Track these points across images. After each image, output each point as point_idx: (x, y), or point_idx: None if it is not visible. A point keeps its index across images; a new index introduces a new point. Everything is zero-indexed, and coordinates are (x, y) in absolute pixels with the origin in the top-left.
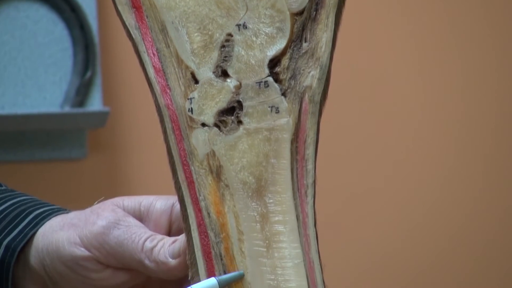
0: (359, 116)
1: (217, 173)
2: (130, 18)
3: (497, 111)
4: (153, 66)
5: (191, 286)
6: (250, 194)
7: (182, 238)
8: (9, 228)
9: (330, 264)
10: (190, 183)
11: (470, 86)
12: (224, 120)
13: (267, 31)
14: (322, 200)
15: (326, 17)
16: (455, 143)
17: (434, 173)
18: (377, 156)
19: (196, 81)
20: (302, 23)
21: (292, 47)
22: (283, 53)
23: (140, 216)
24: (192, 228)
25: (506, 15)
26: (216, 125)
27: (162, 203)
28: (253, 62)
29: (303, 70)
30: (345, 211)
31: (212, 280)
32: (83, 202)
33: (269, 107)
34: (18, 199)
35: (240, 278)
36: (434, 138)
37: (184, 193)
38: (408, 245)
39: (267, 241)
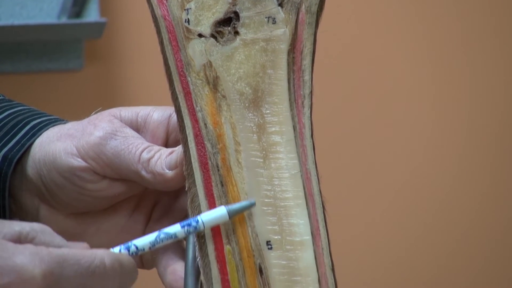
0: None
1: (213, 84)
2: None
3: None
4: None
5: (200, 215)
6: (247, 104)
7: (179, 149)
8: (6, 138)
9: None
10: (187, 94)
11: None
12: (221, 31)
13: None
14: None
15: None
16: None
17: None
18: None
19: None
20: None
21: None
22: None
23: (137, 127)
24: (189, 139)
25: None
26: (213, 35)
27: (159, 113)
28: None
29: None
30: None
31: (222, 210)
32: (80, 113)
33: (266, 17)
34: (16, 109)
35: (251, 207)
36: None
37: (181, 104)
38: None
39: (264, 152)
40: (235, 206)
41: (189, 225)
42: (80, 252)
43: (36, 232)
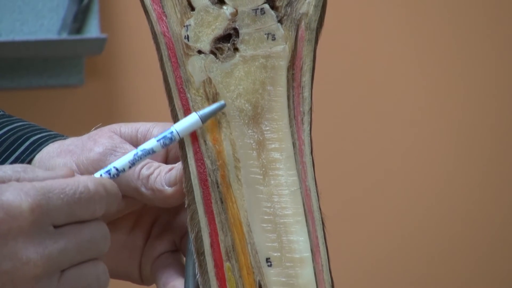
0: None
1: (213, 100)
2: None
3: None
4: None
5: (173, 125)
6: (246, 121)
7: (178, 165)
8: (6, 154)
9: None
10: (187, 110)
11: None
12: (220, 47)
13: None
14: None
15: None
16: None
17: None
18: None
19: (192, 8)
20: None
21: None
22: None
23: (137, 143)
24: (188, 155)
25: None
26: (212, 52)
27: (159, 130)
28: None
29: None
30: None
31: (194, 116)
32: (80, 128)
33: (265, 34)
34: (16, 124)
35: (222, 108)
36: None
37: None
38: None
39: (263, 169)
40: (206, 110)
41: (164, 137)
42: (63, 181)
43: (18, 172)
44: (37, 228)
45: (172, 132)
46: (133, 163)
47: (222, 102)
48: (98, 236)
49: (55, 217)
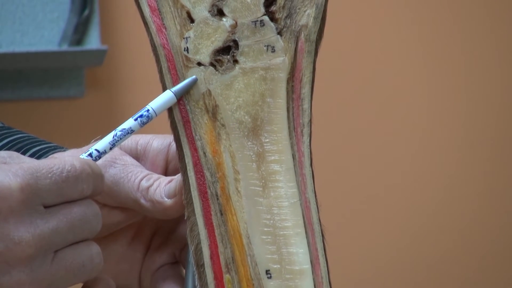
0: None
1: (213, 112)
2: None
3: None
4: (149, 5)
5: (149, 104)
6: (246, 133)
7: (178, 177)
8: None
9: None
10: (186, 122)
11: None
12: (220, 59)
13: None
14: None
15: None
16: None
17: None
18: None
19: (192, 20)
20: None
21: None
22: None
23: (137, 155)
24: (188, 167)
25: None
26: (212, 64)
27: (159, 142)
28: (248, 0)
29: (299, 9)
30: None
31: (168, 93)
32: (81, 140)
33: (265, 46)
34: (15, 136)
35: (194, 83)
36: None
37: (180, 132)
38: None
39: (263, 181)
40: (179, 85)
41: (141, 116)
42: (50, 161)
43: (4, 158)
44: (28, 208)
45: (148, 110)
46: (113, 144)
47: (193, 76)
48: (89, 215)
49: (45, 197)
